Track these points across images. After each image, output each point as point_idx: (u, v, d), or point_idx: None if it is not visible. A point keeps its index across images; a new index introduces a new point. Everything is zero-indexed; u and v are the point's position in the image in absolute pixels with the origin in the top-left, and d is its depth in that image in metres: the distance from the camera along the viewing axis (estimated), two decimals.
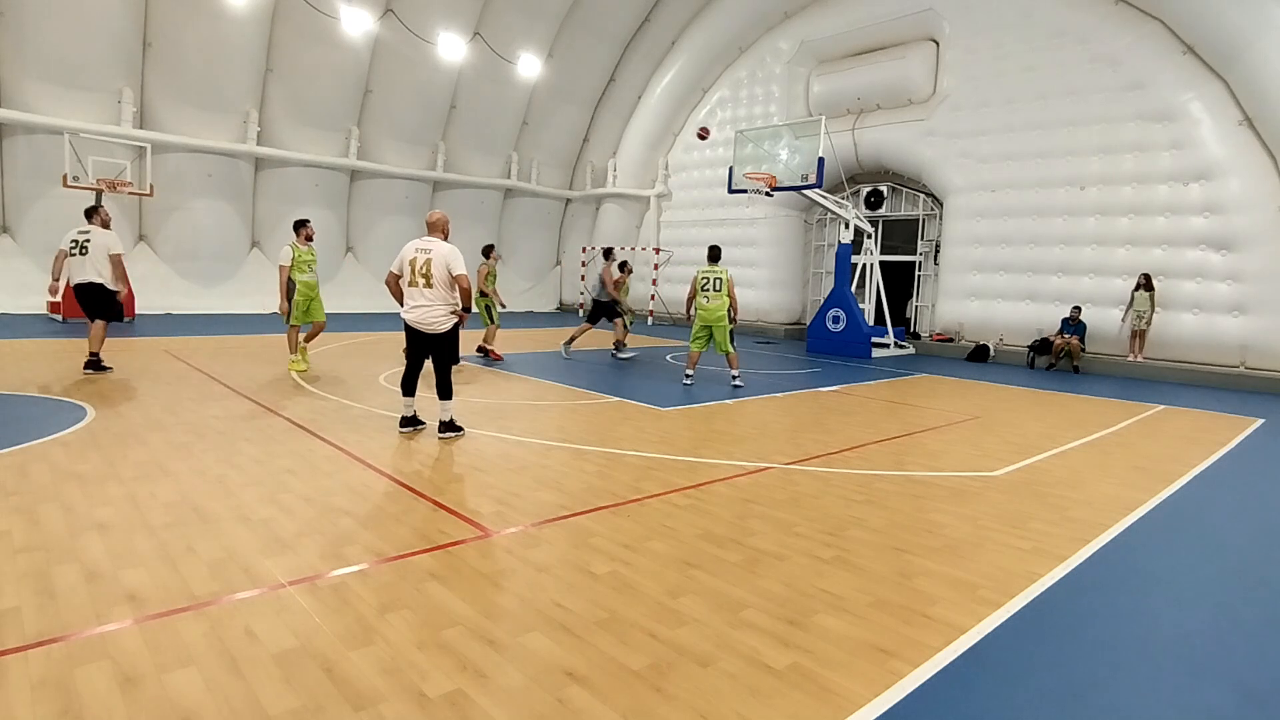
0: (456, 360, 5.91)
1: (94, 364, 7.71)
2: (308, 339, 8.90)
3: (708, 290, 8.95)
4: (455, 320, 5.67)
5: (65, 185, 12.97)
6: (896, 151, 15.66)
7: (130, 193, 13.93)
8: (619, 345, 11.40)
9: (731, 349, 9.03)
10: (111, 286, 7.73)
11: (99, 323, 7.73)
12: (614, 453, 5.44)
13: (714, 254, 9.30)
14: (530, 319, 19.62)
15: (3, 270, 14.09)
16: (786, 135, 13.61)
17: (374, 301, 18.83)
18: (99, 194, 13.27)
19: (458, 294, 5.63)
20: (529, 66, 18.38)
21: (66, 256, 7.61)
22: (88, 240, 7.65)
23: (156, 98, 15.06)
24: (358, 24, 15.82)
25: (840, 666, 2.50)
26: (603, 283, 11.11)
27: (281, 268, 8.35)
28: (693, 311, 9.22)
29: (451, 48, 16.95)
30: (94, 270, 7.61)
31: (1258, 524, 4.51)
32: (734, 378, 9.01)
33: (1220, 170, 11.48)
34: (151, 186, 14.12)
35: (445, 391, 5.71)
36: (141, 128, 14.84)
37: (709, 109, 19.80)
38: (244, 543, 3.37)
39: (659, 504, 4.25)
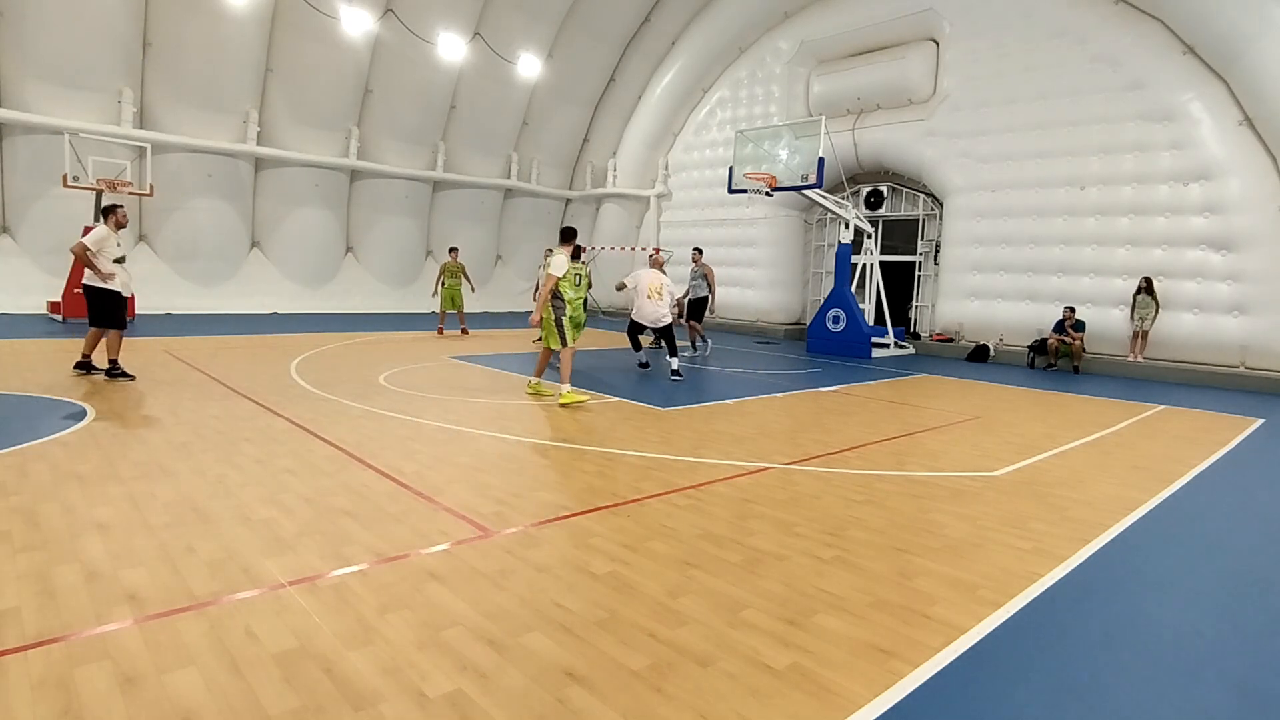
0: (673, 339, 9.69)
1: (112, 371, 7.43)
2: (545, 367, 7.91)
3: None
4: (670, 318, 9.64)
5: (65, 185, 12.96)
6: (896, 151, 15.66)
7: (130, 193, 13.91)
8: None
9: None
10: (95, 283, 7.36)
11: (110, 331, 7.47)
12: (614, 453, 5.43)
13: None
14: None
15: (3, 270, 14.09)
16: (786, 135, 13.60)
17: (375, 302, 18.85)
18: (99, 194, 13.27)
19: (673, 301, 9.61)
20: (529, 66, 18.37)
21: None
22: None
23: (156, 98, 15.06)
24: (358, 24, 15.81)
25: (840, 666, 2.50)
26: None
27: (551, 276, 7.38)
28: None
29: (451, 48, 16.94)
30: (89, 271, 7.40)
31: (1258, 524, 4.51)
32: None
33: (1220, 170, 11.48)
34: (151, 186, 14.11)
35: (673, 351, 9.56)
36: (141, 128, 14.84)
37: (709, 109, 19.81)
38: (244, 543, 3.37)
39: (659, 504, 4.25)
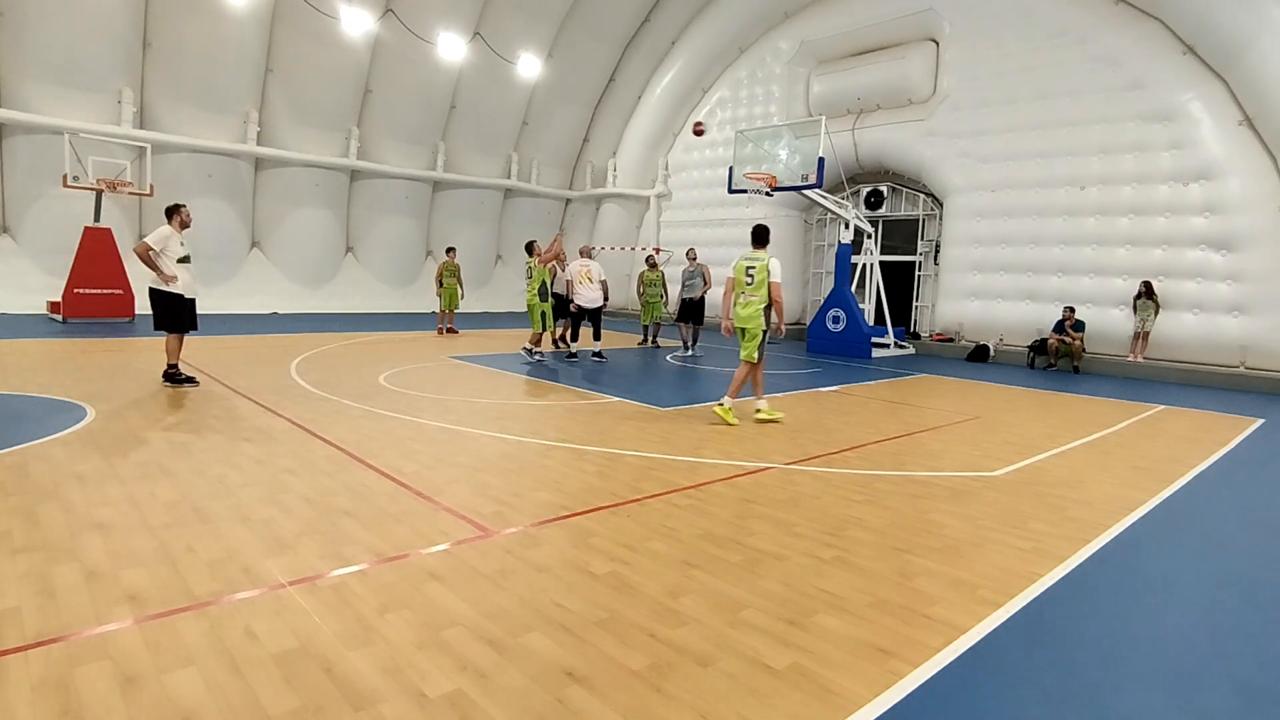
0: (600, 322, 10.97)
1: (170, 375, 7.33)
2: (743, 384, 6.85)
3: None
4: (601, 302, 10.87)
5: (65, 185, 12.96)
6: (896, 151, 15.66)
7: (130, 193, 13.92)
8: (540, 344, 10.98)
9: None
10: (158, 286, 7.19)
11: (168, 335, 7.33)
12: (614, 453, 5.43)
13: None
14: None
15: (3, 270, 14.09)
16: (786, 135, 13.60)
17: (375, 302, 18.86)
18: (99, 194, 13.27)
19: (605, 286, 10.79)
20: (529, 66, 18.38)
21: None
22: None
23: (156, 98, 15.07)
24: (358, 24, 15.82)
25: (840, 666, 2.50)
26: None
27: (777, 285, 6.22)
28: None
29: (451, 48, 16.96)
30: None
31: (1257, 524, 4.50)
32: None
33: (1220, 170, 11.48)
34: (151, 186, 14.11)
35: (598, 335, 10.80)
36: (141, 128, 14.85)
37: (709, 109, 19.80)
38: (244, 543, 3.37)
39: (659, 504, 4.25)
